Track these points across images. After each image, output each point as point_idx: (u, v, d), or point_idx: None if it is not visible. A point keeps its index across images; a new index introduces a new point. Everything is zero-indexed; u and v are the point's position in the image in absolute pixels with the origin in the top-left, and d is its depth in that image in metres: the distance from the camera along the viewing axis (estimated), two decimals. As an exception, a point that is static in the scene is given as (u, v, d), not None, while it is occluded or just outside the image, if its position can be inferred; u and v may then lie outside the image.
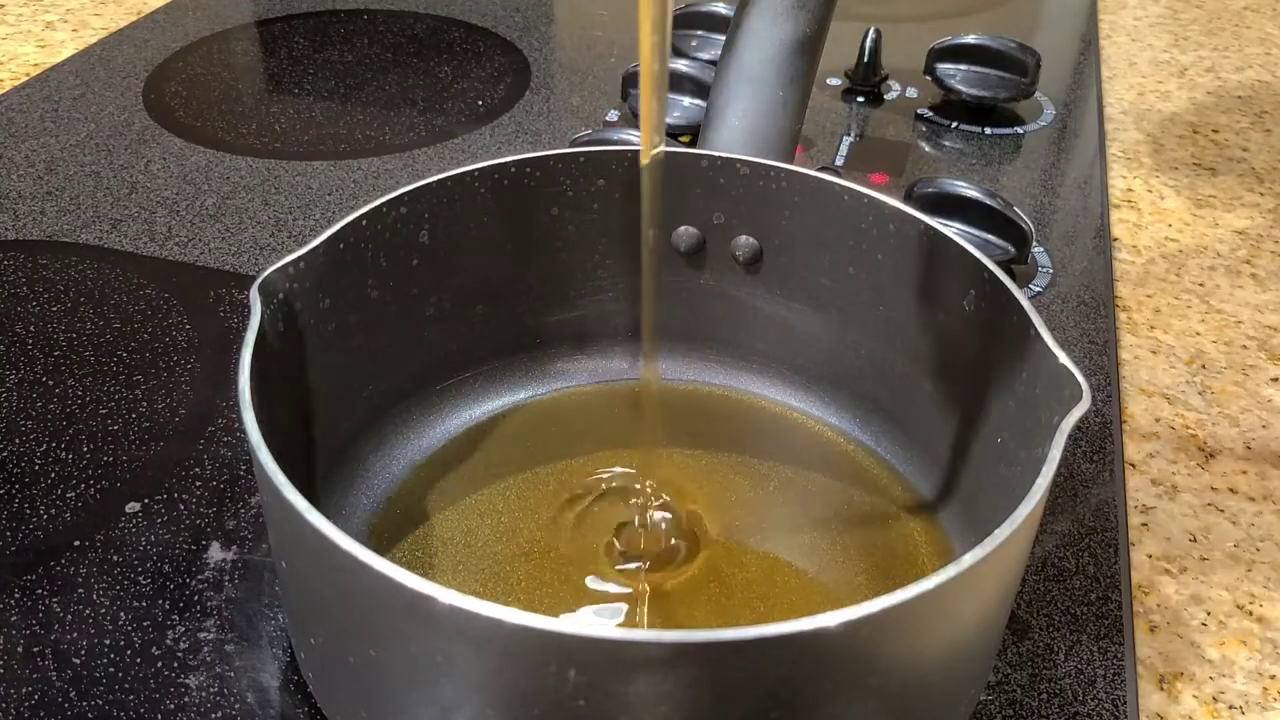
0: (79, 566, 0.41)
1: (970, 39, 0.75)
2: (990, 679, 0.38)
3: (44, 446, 0.46)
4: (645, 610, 0.39)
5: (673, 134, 0.66)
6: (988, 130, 0.73)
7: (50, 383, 0.50)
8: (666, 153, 0.45)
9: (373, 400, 0.44)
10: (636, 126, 0.67)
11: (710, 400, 0.49)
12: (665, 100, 0.36)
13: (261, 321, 0.35)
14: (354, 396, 0.43)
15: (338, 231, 0.39)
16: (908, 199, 0.58)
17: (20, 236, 0.60)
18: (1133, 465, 0.48)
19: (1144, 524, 0.46)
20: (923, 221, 0.42)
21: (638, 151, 0.45)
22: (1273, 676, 0.40)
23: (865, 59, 0.76)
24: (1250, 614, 0.42)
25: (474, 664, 0.28)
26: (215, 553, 0.42)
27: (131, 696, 0.37)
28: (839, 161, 0.69)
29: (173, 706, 0.36)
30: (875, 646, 0.28)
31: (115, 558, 0.41)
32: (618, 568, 0.40)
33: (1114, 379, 0.53)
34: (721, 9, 0.78)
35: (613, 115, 0.73)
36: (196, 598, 0.40)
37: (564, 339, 0.49)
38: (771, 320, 0.48)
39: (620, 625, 0.27)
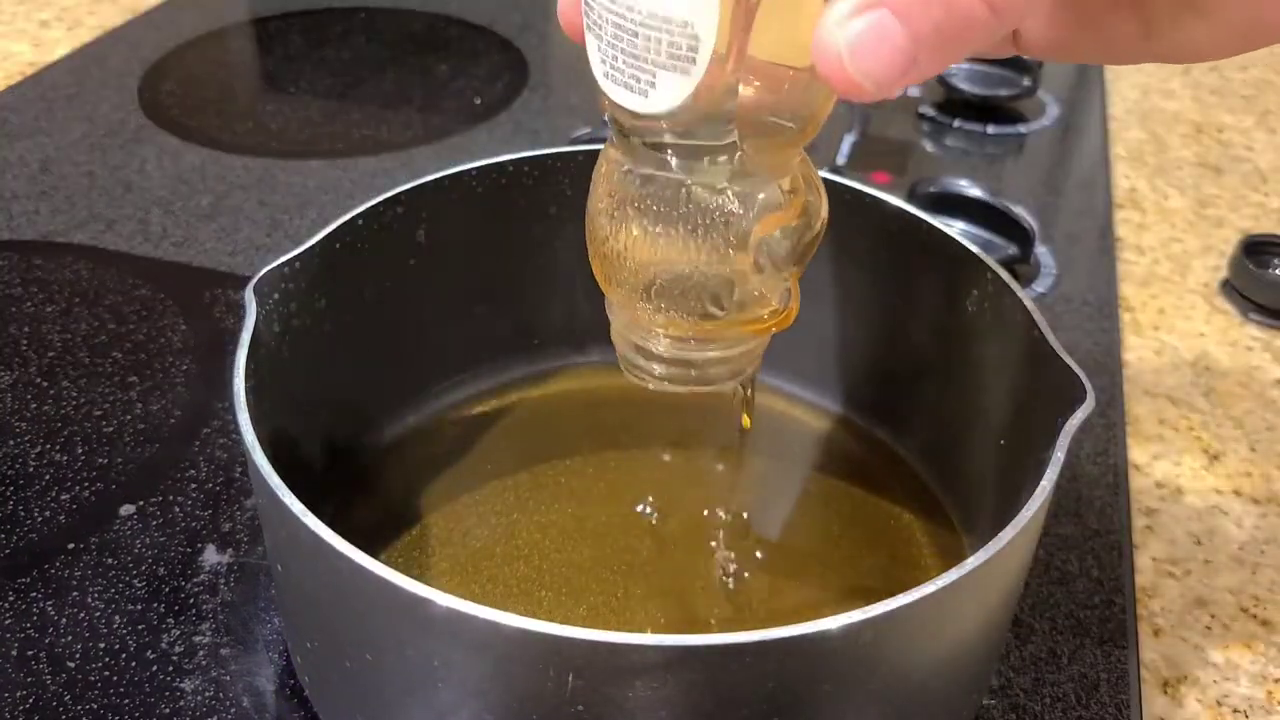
0: (73, 569, 0.41)
1: (971, 37, 0.74)
2: (993, 683, 0.38)
3: (38, 448, 0.46)
4: (645, 614, 0.39)
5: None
6: (990, 129, 0.73)
7: (44, 384, 0.50)
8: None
9: (369, 401, 0.44)
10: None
11: (710, 400, 0.48)
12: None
13: (257, 322, 0.35)
14: (350, 397, 0.43)
15: (334, 231, 0.39)
16: (910, 198, 0.58)
17: (14, 237, 0.60)
18: (1137, 467, 0.48)
19: (1148, 526, 0.45)
20: (925, 221, 0.41)
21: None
22: (1277, 680, 0.39)
23: (866, 58, 0.76)
24: (1255, 617, 0.42)
25: (471, 668, 0.28)
26: (210, 556, 0.41)
27: (126, 700, 0.36)
28: (841, 161, 0.68)
29: (168, 711, 0.36)
30: (877, 650, 0.28)
31: (110, 560, 0.41)
32: (617, 568, 0.40)
33: (1118, 380, 0.52)
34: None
35: (612, 114, 0.73)
36: (192, 601, 0.40)
37: (563, 339, 0.49)
38: (772, 320, 0.47)
39: (619, 629, 0.27)
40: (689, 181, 0.29)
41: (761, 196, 0.29)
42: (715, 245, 0.29)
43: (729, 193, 0.29)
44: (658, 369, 0.33)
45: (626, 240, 0.30)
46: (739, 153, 0.28)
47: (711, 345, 0.32)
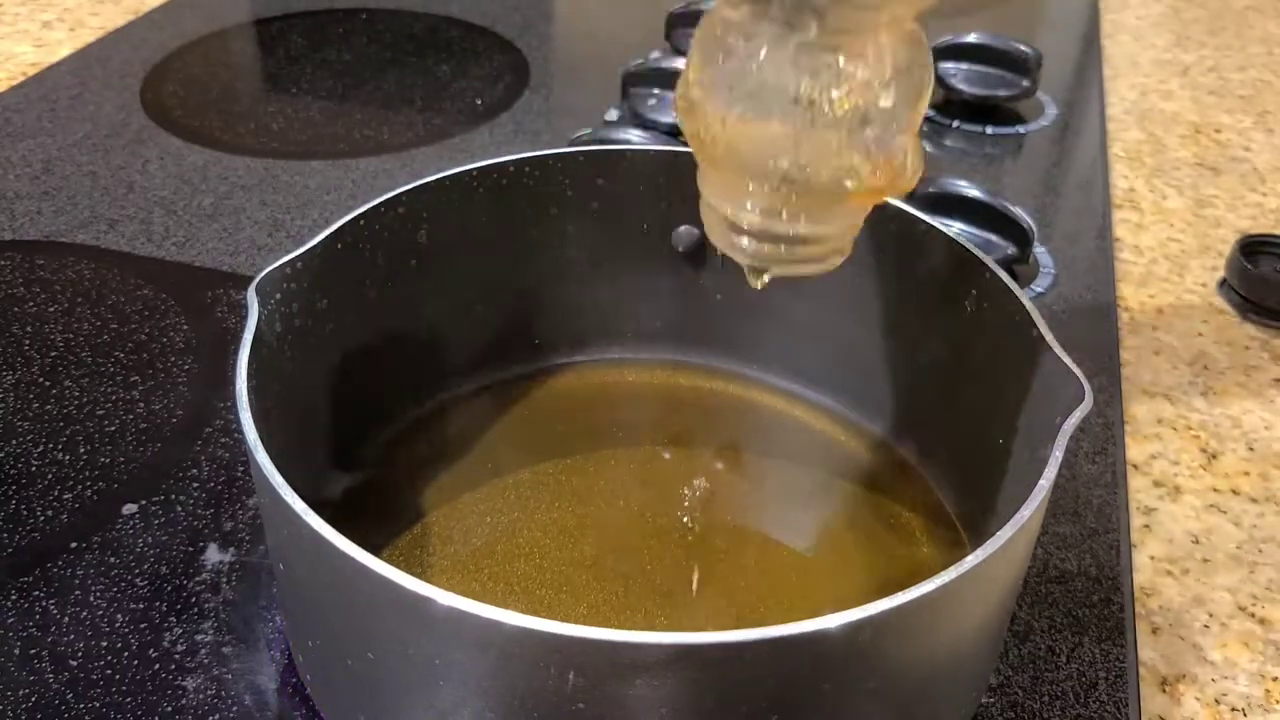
0: (76, 568, 0.41)
1: (972, 38, 0.74)
2: (992, 681, 0.38)
3: (41, 448, 0.46)
4: (646, 612, 0.39)
5: (672, 134, 0.66)
6: (989, 129, 0.73)
7: (47, 384, 0.50)
8: (670, 152, 0.45)
9: (371, 400, 0.44)
10: (636, 125, 0.67)
11: (711, 399, 0.49)
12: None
13: (259, 322, 0.35)
14: (351, 397, 0.43)
15: (335, 231, 0.39)
16: (909, 199, 0.58)
17: (17, 237, 0.60)
18: (1135, 466, 0.48)
19: (1146, 525, 0.45)
20: (924, 221, 0.41)
21: (637, 150, 0.45)
22: (1275, 679, 0.39)
23: (866, 58, 0.76)
24: (1253, 616, 0.42)
25: (473, 666, 0.28)
26: (213, 554, 0.42)
27: (128, 699, 0.36)
28: (839, 161, 0.68)
29: (170, 709, 0.36)
30: (876, 649, 0.28)
31: (112, 559, 0.41)
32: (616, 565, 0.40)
33: (1116, 380, 0.52)
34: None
35: (612, 114, 0.73)
36: (194, 600, 0.40)
37: (564, 339, 0.49)
38: (772, 320, 0.47)
39: (620, 627, 0.27)
40: (798, 51, 0.27)
41: (872, 67, 0.28)
42: (826, 123, 0.28)
43: (838, 63, 0.27)
44: (748, 244, 0.32)
45: (728, 117, 0.28)
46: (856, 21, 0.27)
47: (808, 219, 0.31)
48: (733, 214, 0.32)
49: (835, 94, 0.28)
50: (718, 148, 0.30)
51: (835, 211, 0.31)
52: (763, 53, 0.28)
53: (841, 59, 0.28)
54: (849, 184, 0.30)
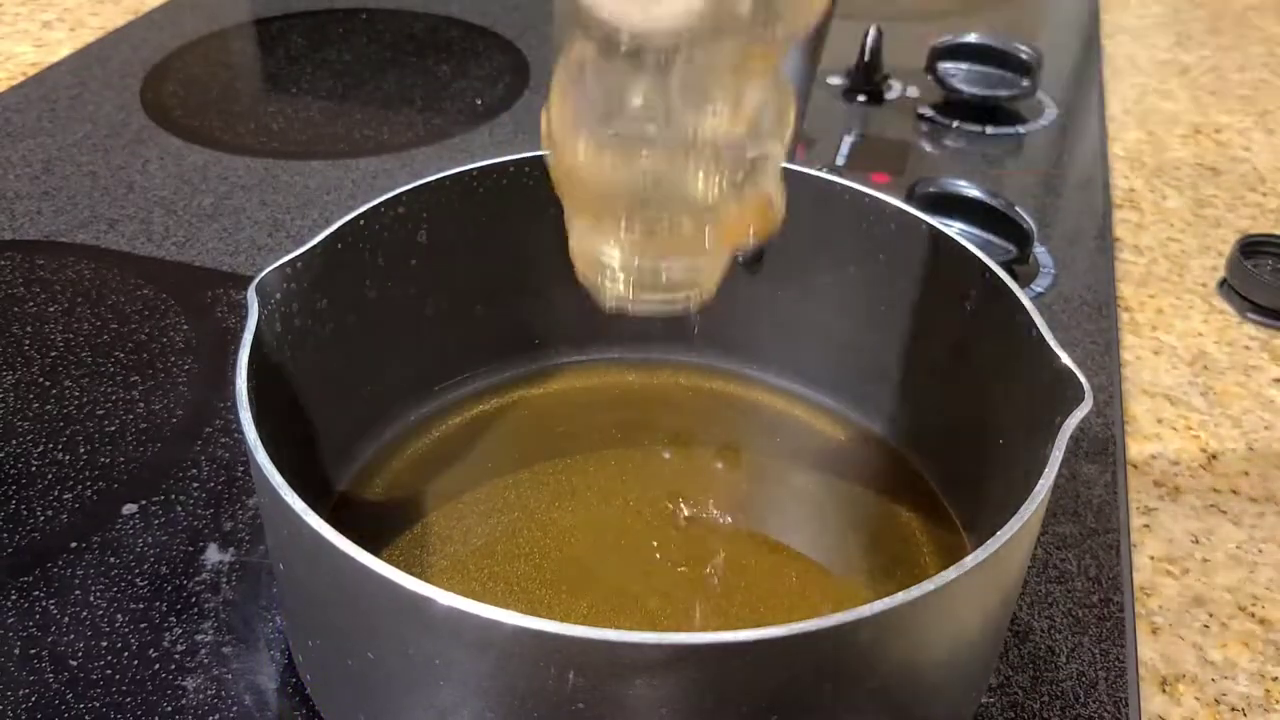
0: (76, 568, 0.41)
1: (972, 38, 0.74)
2: (992, 681, 0.38)
3: (41, 447, 0.46)
4: (645, 612, 0.39)
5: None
6: (989, 130, 0.73)
7: (47, 383, 0.50)
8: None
9: (371, 400, 0.44)
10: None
11: (711, 399, 0.49)
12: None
13: (259, 322, 0.35)
14: (352, 397, 0.43)
15: (335, 231, 0.39)
16: (909, 198, 0.58)
17: (17, 236, 0.60)
18: (1135, 466, 0.48)
19: (1146, 525, 0.45)
20: (924, 221, 0.41)
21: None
22: (1275, 679, 0.39)
23: (866, 58, 0.76)
24: (1253, 615, 0.42)
25: (473, 666, 0.28)
26: (213, 554, 0.42)
27: (128, 699, 0.36)
28: (840, 161, 0.69)
29: (170, 709, 0.36)
30: (876, 648, 0.28)
31: (112, 559, 0.41)
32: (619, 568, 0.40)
33: (1116, 380, 0.52)
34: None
35: (612, 115, 0.73)
36: (194, 600, 0.40)
37: (564, 339, 0.49)
38: (772, 320, 0.47)
39: (620, 627, 0.27)
40: (670, 101, 0.27)
41: (727, 107, 0.28)
42: (683, 160, 0.28)
43: (708, 109, 0.27)
44: (612, 284, 0.32)
45: (601, 163, 0.28)
46: (718, 64, 0.26)
47: (673, 258, 0.31)
48: (598, 253, 0.32)
49: (691, 132, 0.28)
50: (578, 185, 0.29)
51: (698, 251, 0.31)
52: (618, 91, 0.28)
53: (696, 97, 0.27)
54: (711, 221, 0.30)
